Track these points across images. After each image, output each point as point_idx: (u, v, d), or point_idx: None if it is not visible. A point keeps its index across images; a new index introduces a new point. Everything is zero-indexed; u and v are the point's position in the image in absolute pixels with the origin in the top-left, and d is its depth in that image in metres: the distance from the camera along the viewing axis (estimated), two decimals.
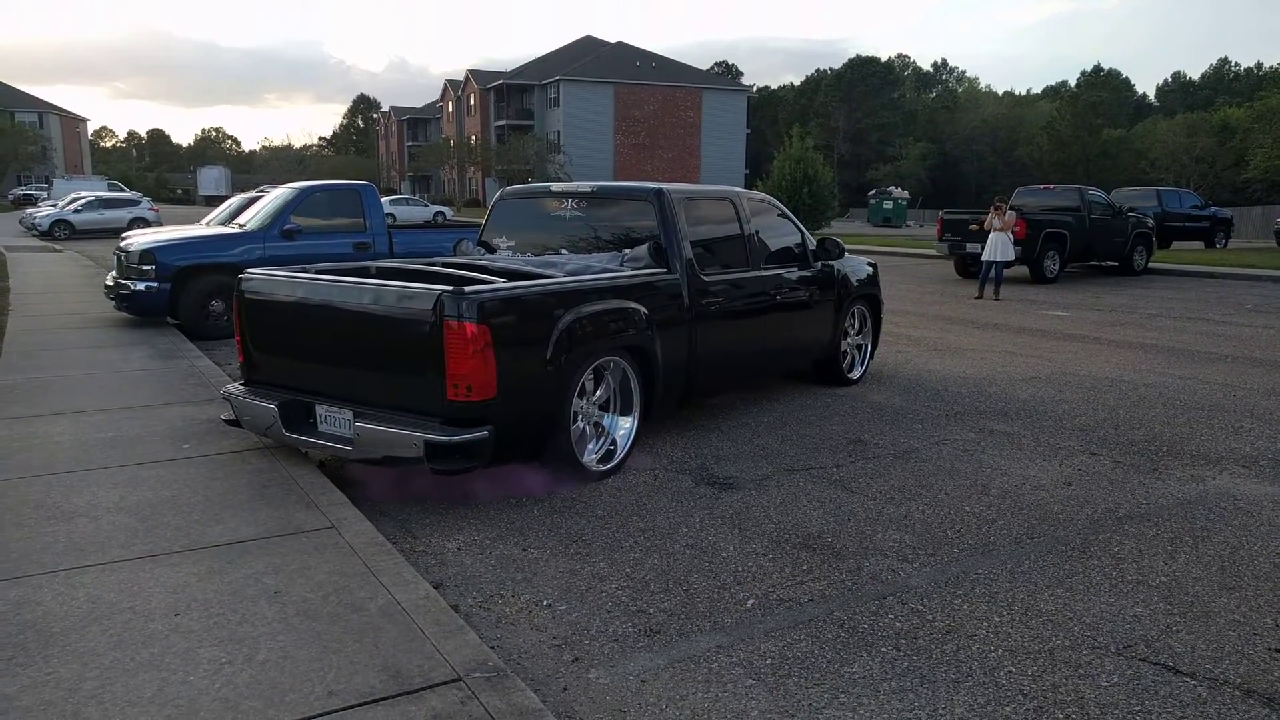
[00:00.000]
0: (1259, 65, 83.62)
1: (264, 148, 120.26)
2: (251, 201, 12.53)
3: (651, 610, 3.67)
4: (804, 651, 3.34)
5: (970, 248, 17.78)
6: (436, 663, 3.00)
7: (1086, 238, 18.10)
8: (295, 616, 3.34)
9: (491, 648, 3.21)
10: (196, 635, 3.18)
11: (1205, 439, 6.36)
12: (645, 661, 3.26)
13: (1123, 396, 7.66)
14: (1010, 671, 3.21)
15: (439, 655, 3.05)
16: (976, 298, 14.89)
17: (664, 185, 6.14)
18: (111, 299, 10.53)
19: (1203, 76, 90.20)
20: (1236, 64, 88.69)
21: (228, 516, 4.33)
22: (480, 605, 3.69)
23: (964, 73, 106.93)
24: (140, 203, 34.21)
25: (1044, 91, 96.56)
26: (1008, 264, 15.27)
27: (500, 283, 4.96)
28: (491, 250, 6.71)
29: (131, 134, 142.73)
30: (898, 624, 3.57)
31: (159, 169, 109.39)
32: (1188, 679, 3.17)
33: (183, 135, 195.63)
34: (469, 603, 3.70)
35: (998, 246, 15.00)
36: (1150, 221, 20.15)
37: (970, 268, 18.71)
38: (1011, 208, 15.75)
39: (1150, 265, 19.84)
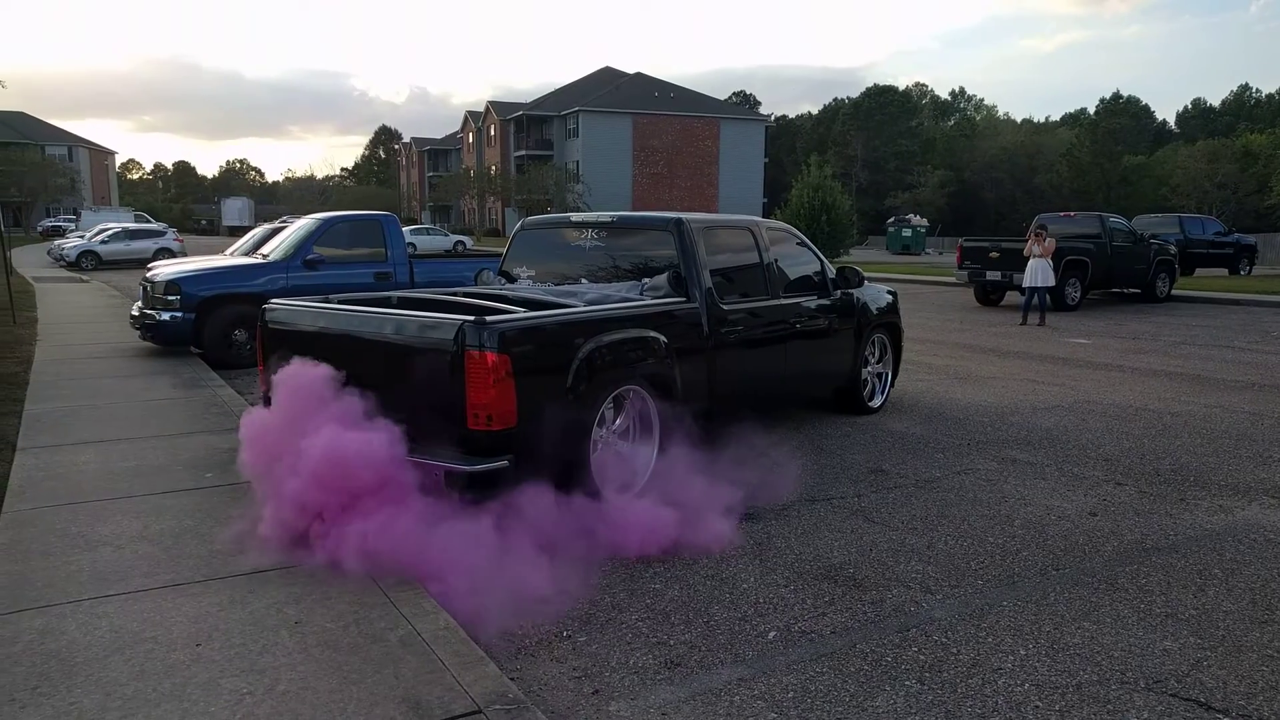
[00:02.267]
0: None
1: (287, 179, 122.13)
2: (275, 232, 12.70)
3: (672, 642, 3.64)
4: (826, 685, 3.31)
5: (990, 275, 17.76)
6: (457, 694, 2.99)
7: (1108, 265, 18.02)
8: (316, 647, 3.34)
9: (511, 679, 3.19)
10: (218, 665, 3.19)
11: (1233, 469, 6.27)
12: (666, 694, 3.23)
13: (1148, 425, 7.58)
14: (1038, 706, 3.16)
15: (459, 686, 3.04)
16: (1021, 324, 14.98)
17: (683, 215, 6.17)
18: (137, 329, 10.67)
19: (1223, 103, 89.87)
20: (1258, 90, 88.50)
21: (249, 546, 4.35)
22: (500, 636, 3.67)
23: (982, 101, 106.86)
24: (165, 234, 34.73)
25: (1063, 119, 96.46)
26: (1048, 289, 15.32)
27: (521, 312, 4.98)
28: (512, 280, 6.76)
29: (157, 166, 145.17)
30: (921, 657, 3.52)
31: (184, 200, 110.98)
32: (1220, 715, 3.11)
33: (207, 167, 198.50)
34: (488, 633, 3.69)
35: (1038, 273, 15.12)
36: (1172, 248, 20.03)
37: (990, 295, 18.69)
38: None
39: (1173, 292, 19.71)
